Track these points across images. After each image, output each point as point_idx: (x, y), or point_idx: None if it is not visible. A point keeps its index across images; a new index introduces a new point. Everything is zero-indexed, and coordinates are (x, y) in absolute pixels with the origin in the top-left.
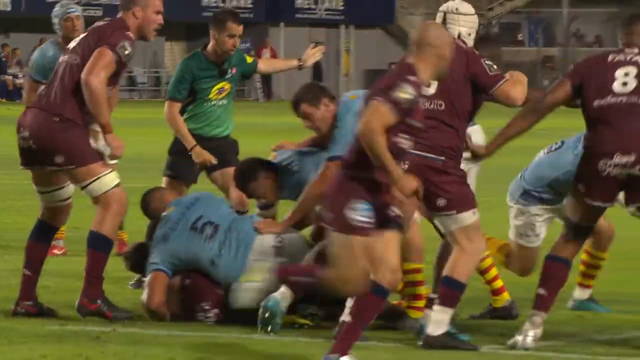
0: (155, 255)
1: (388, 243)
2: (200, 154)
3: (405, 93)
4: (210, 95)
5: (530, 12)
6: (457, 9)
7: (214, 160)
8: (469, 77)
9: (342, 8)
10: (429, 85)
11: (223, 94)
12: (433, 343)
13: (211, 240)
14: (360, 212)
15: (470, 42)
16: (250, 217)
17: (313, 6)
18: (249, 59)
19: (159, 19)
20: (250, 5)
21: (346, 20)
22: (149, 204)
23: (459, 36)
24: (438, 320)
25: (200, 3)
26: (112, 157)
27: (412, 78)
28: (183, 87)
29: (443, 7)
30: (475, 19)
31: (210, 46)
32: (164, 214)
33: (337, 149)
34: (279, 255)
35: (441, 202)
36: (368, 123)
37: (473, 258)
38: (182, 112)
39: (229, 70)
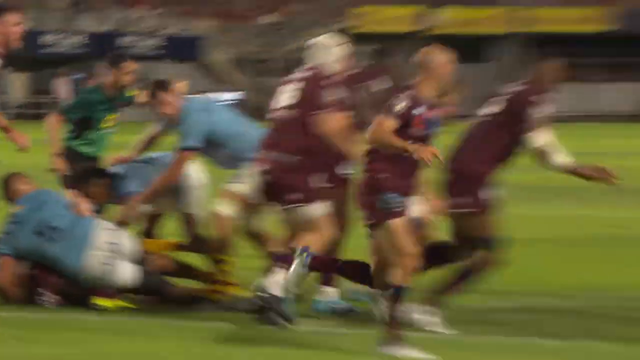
0: (3, 243)
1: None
2: (56, 163)
3: (399, 105)
4: (103, 124)
5: None
6: (322, 42)
7: (66, 172)
8: (317, 93)
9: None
10: (435, 99)
11: (112, 123)
12: (262, 299)
13: (52, 242)
14: (392, 201)
15: (336, 68)
16: (89, 218)
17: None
18: (131, 92)
19: (20, 29)
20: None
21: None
22: (7, 190)
23: (325, 64)
24: (276, 281)
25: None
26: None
27: (408, 93)
28: (75, 111)
29: (313, 40)
30: (339, 50)
31: (107, 81)
32: (12, 210)
33: (186, 140)
34: (113, 251)
35: (293, 196)
36: (376, 130)
37: (320, 238)
38: (77, 136)
39: (121, 102)
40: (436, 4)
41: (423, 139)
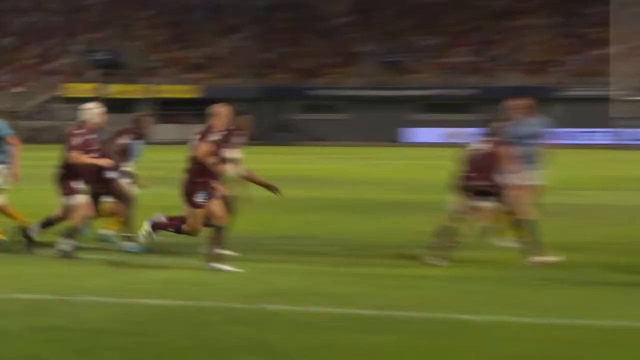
0: None
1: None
2: None
3: (212, 136)
4: None
5: None
6: (85, 106)
7: None
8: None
9: None
10: (221, 130)
11: None
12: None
13: None
14: (201, 197)
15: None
16: None
17: None
18: None
19: None
20: None
21: None
22: None
23: (86, 120)
24: (68, 243)
25: None
26: None
27: (212, 129)
28: None
29: (84, 106)
30: (91, 111)
31: None
32: None
33: None
34: None
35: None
36: (200, 152)
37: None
38: None
39: None
40: (106, 81)
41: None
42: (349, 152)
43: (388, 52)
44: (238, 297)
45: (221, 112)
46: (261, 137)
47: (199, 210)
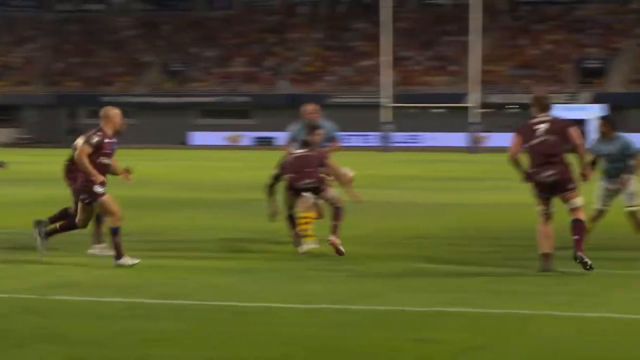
0: None
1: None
2: None
3: (94, 139)
4: None
5: None
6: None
7: None
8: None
9: None
10: (111, 137)
11: None
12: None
13: None
14: (99, 189)
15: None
16: None
17: None
18: None
19: None
20: None
21: None
22: None
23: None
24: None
25: None
26: None
27: (99, 133)
28: None
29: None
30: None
31: None
32: None
33: None
34: None
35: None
36: (79, 153)
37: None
38: None
39: None
40: None
41: (110, 156)
42: (139, 155)
43: (172, 62)
44: (31, 289)
45: (109, 115)
46: (56, 140)
47: (103, 199)
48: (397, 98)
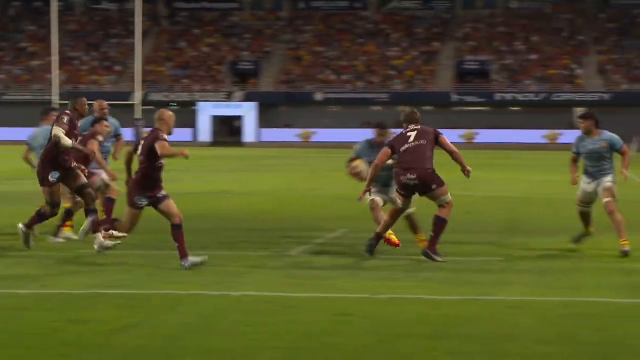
0: None
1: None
2: None
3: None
4: None
5: None
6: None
7: None
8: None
9: None
10: (169, 134)
11: None
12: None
13: None
14: (141, 200)
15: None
16: None
17: None
18: None
19: None
20: None
21: None
22: None
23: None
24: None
25: None
26: None
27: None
28: None
29: None
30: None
31: None
32: None
33: None
34: None
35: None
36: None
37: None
38: None
39: None
40: None
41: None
42: None
43: None
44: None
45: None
46: None
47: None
48: (63, 96)
